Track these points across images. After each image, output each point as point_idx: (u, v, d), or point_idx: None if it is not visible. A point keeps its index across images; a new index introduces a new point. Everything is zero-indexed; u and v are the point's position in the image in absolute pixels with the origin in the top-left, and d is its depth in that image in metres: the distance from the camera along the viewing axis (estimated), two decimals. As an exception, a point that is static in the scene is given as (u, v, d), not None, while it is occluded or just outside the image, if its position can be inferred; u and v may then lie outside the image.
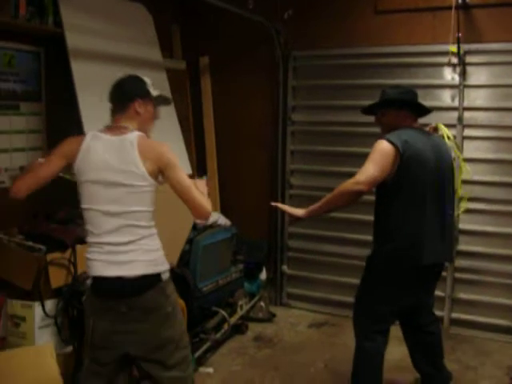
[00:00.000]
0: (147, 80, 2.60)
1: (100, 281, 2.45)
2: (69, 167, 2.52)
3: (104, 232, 2.44)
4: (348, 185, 2.96)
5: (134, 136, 2.45)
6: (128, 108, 2.52)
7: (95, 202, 2.45)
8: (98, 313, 2.49)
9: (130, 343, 2.47)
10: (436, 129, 3.25)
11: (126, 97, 2.53)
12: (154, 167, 2.42)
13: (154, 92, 2.61)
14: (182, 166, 2.49)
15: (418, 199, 3.02)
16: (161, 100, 2.69)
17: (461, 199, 4.18)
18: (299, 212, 3.22)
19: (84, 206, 2.49)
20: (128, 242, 2.42)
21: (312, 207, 3.16)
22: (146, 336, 2.46)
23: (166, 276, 2.50)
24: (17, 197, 2.54)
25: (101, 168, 2.43)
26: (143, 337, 2.46)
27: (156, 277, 2.46)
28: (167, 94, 4.59)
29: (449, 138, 3.26)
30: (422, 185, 3.01)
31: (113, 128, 2.51)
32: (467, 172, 4.18)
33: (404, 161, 2.94)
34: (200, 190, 2.52)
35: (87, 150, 2.46)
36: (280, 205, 3.40)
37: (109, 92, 2.59)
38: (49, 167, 2.53)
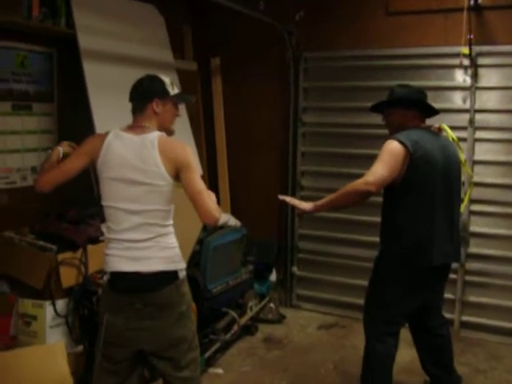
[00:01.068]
0: (166, 79, 2.62)
1: (117, 276, 2.48)
2: (93, 164, 2.56)
3: (123, 229, 2.47)
4: (357, 185, 2.95)
5: (154, 135, 2.48)
6: (146, 108, 2.55)
7: (115, 199, 2.49)
8: (112, 309, 2.51)
9: (144, 340, 2.49)
10: (440, 130, 3.24)
11: (145, 97, 2.56)
12: (172, 167, 2.45)
13: (174, 90, 2.62)
14: (198, 169, 2.52)
15: (427, 200, 3.01)
16: (182, 98, 2.73)
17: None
18: (306, 206, 3.22)
19: (104, 203, 2.53)
20: (146, 239, 2.45)
21: (319, 202, 3.16)
22: (159, 333, 2.48)
23: (182, 274, 2.53)
24: (43, 190, 2.61)
25: (121, 166, 2.47)
26: (157, 334, 2.48)
27: (173, 274, 2.48)
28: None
29: (453, 139, 3.24)
30: (431, 185, 3.01)
31: (134, 127, 2.55)
32: (469, 173, 4.18)
33: (413, 161, 2.93)
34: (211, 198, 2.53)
35: (108, 148, 2.50)
36: (288, 198, 3.38)
37: (129, 92, 2.62)
38: (73, 164, 2.57)
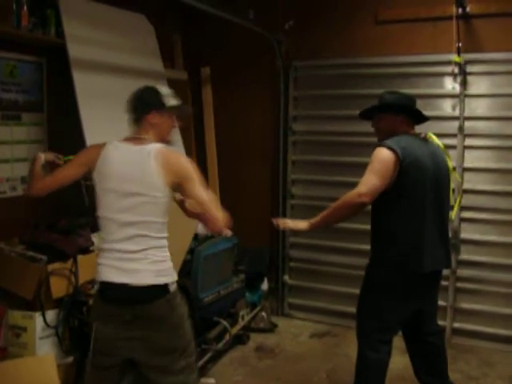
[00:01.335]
0: (163, 91, 2.62)
1: (107, 286, 2.46)
2: (89, 174, 2.58)
3: (116, 240, 2.46)
4: (350, 197, 2.94)
5: (152, 147, 2.47)
6: (144, 120, 2.56)
7: (110, 210, 2.48)
8: (102, 318, 2.49)
9: (134, 349, 2.46)
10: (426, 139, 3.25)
11: (142, 109, 2.56)
12: (171, 179, 2.44)
13: (172, 102, 2.62)
14: (200, 180, 2.48)
15: (418, 206, 3.01)
16: (177, 109, 2.70)
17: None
18: (302, 225, 3.19)
19: (99, 213, 2.52)
20: (137, 251, 2.43)
21: (314, 220, 3.13)
22: (150, 343, 2.46)
23: (173, 287, 2.50)
24: (38, 195, 2.64)
25: (118, 177, 2.46)
26: (148, 344, 2.46)
27: (162, 288, 2.45)
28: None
29: (439, 147, 3.26)
30: (421, 191, 3.01)
31: (132, 139, 2.55)
32: (458, 180, 4.21)
33: (404, 167, 2.93)
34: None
35: (105, 159, 2.50)
36: (281, 221, 3.36)
37: (126, 103, 2.62)
38: (68, 172, 2.60)
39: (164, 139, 2.61)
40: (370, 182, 2.91)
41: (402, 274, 3.03)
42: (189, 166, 2.48)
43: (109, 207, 2.49)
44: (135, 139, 2.53)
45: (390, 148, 2.94)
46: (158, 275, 2.45)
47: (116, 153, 2.51)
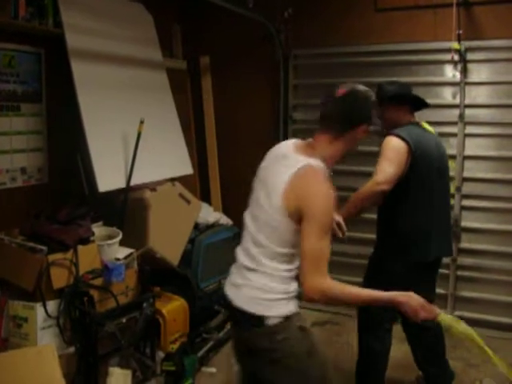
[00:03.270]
0: (372, 97, 2.27)
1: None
2: None
3: (241, 247, 2.30)
4: (369, 187, 2.94)
5: (304, 162, 2.10)
6: (347, 133, 2.20)
7: (248, 221, 2.29)
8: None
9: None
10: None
11: (353, 120, 2.20)
12: (294, 206, 2.06)
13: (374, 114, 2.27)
14: (323, 224, 2.01)
15: (426, 196, 3.07)
16: (376, 123, 2.34)
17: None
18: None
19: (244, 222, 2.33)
20: (248, 269, 2.20)
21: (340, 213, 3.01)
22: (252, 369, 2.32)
23: (273, 321, 2.13)
24: None
25: (259, 183, 2.30)
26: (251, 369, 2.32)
27: (257, 318, 2.14)
28: (167, 93, 4.60)
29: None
30: (430, 182, 3.07)
31: (305, 147, 2.24)
32: (453, 168, 4.24)
33: (415, 158, 2.97)
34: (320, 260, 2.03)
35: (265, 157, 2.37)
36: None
37: (325, 103, 2.31)
38: None
39: (335, 159, 2.25)
40: (385, 170, 2.91)
41: (407, 262, 3.07)
42: (317, 200, 2.03)
43: (247, 218, 2.29)
44: (306, 146, 2.23)
45: (401, 138, 2.95)
46: (254, 303, 2.16)
47: (272, 153, 2.35)
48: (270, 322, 2.13)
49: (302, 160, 2.12)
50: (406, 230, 3.06)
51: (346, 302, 2.24)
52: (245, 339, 2.23)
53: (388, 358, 3.21)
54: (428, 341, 3.34)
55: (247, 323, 2.17)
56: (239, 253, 2.29)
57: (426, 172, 3.04)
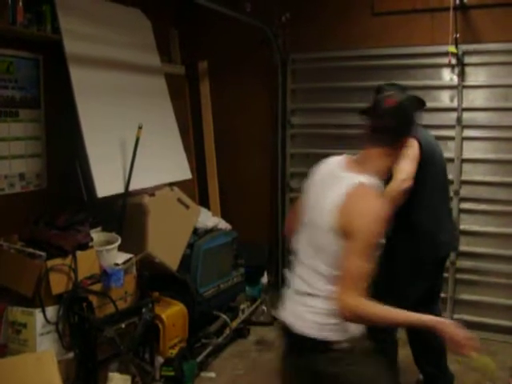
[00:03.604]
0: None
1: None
2: None
3: (293, 273, 2.24)
4: (394, 188, 2.95)
5: (355, 181, 2.02)
6: (395, 144, 2.11)
7: (300, 239, 2.22)
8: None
9: None
10: None
11: (402, 130, 2.12)
12: (341, 224, 1.99)
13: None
14: (367, 244, 1.93)
15: (436, 194, 3.16)
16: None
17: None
18: None
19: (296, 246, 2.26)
20: (308, 294, 2.12)
21: None
22: None
23: (337, 346, 2.08)
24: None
25: (309, 204, 2.22)
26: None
27: (322, 344, 2.07)
28: (166, 98, 4.61)
29: None
30: (437, 180, 3.17)
31: (354, 162, 2.15)
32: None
33: (424, 159, 3.03)
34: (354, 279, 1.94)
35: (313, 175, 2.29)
36: None
37: (376, 113, 2.14)
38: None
39: (386, 173, 2.18)
40: (405, 168, 2.94)
41: (420, 260, 3.14)
42: (364, 218, 1.95)
43: (299, 236, 2.22)
44: (357, 163, 2.12)
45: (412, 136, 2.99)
46: (313, 328, 2.08)
47: (320, 171, 2.28)
48: (335, 346, 2.07)
49: (354, 177, 2.04)
50: (418, 227, 3.14)
51: (380, 323, 2.11)
52: (307, 366, 2.16)
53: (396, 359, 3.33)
54: (429, 343, 3.34)
55: (311, 349, 2.10)
56: (293, 278, 2.23)
57: (435, 170, 3.14)
